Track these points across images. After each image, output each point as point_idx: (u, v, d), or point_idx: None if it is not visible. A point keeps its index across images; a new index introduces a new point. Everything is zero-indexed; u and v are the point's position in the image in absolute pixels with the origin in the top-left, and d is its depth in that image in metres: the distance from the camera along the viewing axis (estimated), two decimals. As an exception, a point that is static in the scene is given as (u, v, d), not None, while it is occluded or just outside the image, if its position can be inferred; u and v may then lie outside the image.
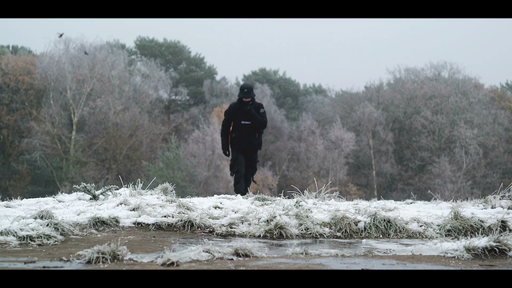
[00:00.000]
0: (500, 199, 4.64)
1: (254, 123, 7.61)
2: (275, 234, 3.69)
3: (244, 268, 2.28)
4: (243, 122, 7.58)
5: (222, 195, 5.44)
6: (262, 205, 4.60)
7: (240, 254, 2.63)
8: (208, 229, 3.86)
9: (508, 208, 4.34)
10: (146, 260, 2.52)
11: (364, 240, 3.63)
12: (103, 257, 2.43)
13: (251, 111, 7.52)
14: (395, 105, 38.10)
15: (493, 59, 64.12)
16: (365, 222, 3.90)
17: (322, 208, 4.38)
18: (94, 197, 4.62)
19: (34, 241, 3.11)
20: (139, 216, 3.95)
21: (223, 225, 3.90)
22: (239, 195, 5.34)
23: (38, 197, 4.97)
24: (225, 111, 7.81)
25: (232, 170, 7.70)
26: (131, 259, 2.53)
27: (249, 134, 7.60)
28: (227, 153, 7.69)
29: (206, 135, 31.80)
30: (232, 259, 2.56)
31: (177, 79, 40.41)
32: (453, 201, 4.87)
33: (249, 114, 7.56)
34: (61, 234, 3.35)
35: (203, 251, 2.59)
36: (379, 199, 5.93)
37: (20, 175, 32.05)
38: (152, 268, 2.28)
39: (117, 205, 4.19)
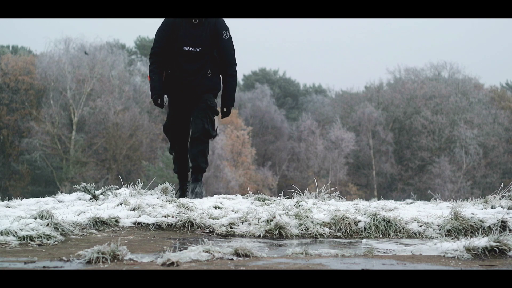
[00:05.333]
0: (500, 199, 4.63)
1: (205, 51, 4.65)
2: (275, 234, 3.69)
3: (244, 268, 2.28)
4: (186, 48, 4.62)
5: (222, 195, 5.44)
6: (262, 205, 4.60)
7: (240, 254, 2.63)
8: (208, 229, 3.86)
9: (508, 208, 4.34)
10: (146, 260, 2.52)
11: (364, 240, 3.63)
12: (103, 257, 2.43)
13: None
14: (395, 105, 38.12)
15: (492, 57, 64.09)
16: (365, 222, 3.90)
17: (322, 208, 4.38)
18: (94, 197, 4.62)
19: (34, 241, 3.11)
20: (139, 216, 3.95)
21: (223, 225, 3.89)
22: (239, 195, 5.32)
23: (38, 197, 4.96)
24: (157, 30, 4.75)
25: (168, 135, 5.01)
26: (131, 259, 2.53)
27: (196, 70, 4.69)
28: (159, 101, 4.76)
29: (206, 135, 31.70)
30: (232, 259, 2.56)
31: (177, 79, 40.36)
32: (453, 201, 4.86)
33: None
34: (61, 234, 3.35)
35: (203, 251, 2.59)
36: (379, 199, 5.93)
37: (20, 175, 32.05)
38: (152, 268, 2.28)
39: (117, 205, 4.19)
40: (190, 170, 5.03)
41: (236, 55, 4.89)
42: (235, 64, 4.89)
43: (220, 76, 4.94)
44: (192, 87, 4.77)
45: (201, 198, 4.69)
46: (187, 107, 4.88)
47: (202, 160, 4.89)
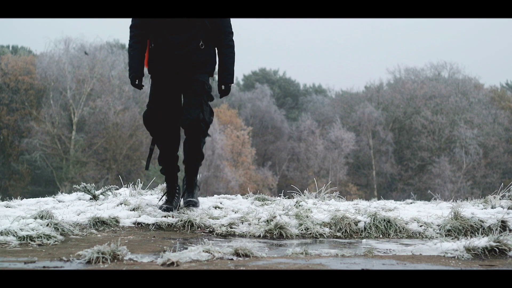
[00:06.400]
0: (500, 199, 4.63)
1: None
2: (275, 234, 3.69)
3: (244, 268, 2.28)
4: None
5: (222, 195, 5.44)
6: (262, 205, 4.60)
7: (240, 254, 2.63)
8: (208, 229, 3.86)
9: (508, 208, 4.34)
10: (146, 260, 2.52)
11: (364, 240, 3.63)
12: (103, 257, 2.43)
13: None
14: (395, 105, 38.12)
15: (492, 57, 64.11)
16: (365, 222, 3.90)
17: (322, 208, 4.38)
18: (94, 197, 4.63)
19: (34, 241, 3.11)
20: (139, 216, 3.95)
21: (223, 225, 3.89)
22: (239, 195, 5.30)
23: (38, 197, 4.97)
24: None
25: (149, 127, 4.00)
26: (131, 259, 2.53)
27: (185, 41, 3.89)
28: (137, 81, 4.00)
29: (206, 135, 31.72)
30: (232, 259, 2.56)
31: (177, 79, 40.31)
32: (453, 201, 4.87)
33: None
34: (61, 234, 3.35)
35: (203, 251, 2.59)
36: (379, 199, 5.93)
37: (20, 175, 32.04)
38: (152, 268, 2.28)
39: (117, 205, 4.20)
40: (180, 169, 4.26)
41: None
42: (231, 32, 4.10)
43: (215, 48, 4.13)
44: (181, 62, 3.90)
45: (196, 207, 4.17)
46: (175, 90, 3.98)
47: (198, 158, 4.12)
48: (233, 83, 4.15)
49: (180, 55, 3.90)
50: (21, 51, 39.65)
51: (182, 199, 4.24)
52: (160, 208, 4.06)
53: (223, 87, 4.13)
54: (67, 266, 2.36)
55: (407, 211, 4.44)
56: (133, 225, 3.86)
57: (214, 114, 4.35)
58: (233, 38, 4.12)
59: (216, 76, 4.33)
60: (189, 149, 4.05)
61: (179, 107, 4.02)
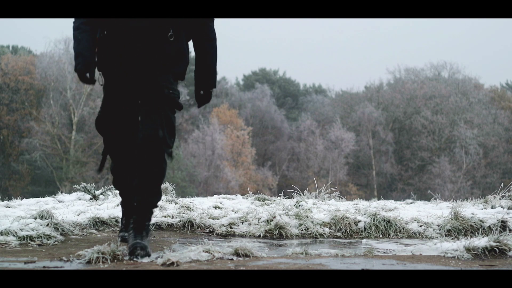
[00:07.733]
0: (500, 199, 4.64)
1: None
2: (275, 234, 3.69)
3: (244, 268, 2.28)
4: None
5: (222, 195, 5.44)
6: (262, 205, 4.61)
7: (240, 254, 2.63)
8: (208, 229, 3.86)
9: (508, 208, 4.34)
10: (146, 260, 2.52)
11: (364, 240, 3.63)
12: (103, 257, 2.43)
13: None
14: (395, 105, 38.12)
15: (492, 57, 64.14)
16: (365, 222, 3.91)
17: (322, 208, 4.38)
18: (94, 197, 4.63)
19: (34, 241, 3.11)
20: (139, 216, 3.95)
21: (223, 225, 3.90)
22: (239, 195, 5.30)
23: (38, 197, 4.97)
24: None
25: (102, 134, 3.02)
26: (131, 259, 2.53)
27: (150, 28, 2.96)
28: (88, 74, 2.85)
29: (206, 135, 31.83)
30: (232, 259, 2.56)
31: (177, 79, 40.31)
32: (453, 201, 4.87)
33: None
34: (61, 234, 3.35)
35: (203, 251, 2.59)
36: (379, 199, 5.93)
37: (20, 175, 32.04)
38: (152, 268, 2.28)
39: (117, 205, 4.20)
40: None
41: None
42: (212, 21, 3.22)
43: (188, 42, 3.21)
44: (143, 56, 2.89)
45: (145, 257, 2.61)
46: (133, 95, 2.94)
47: (153, 190, 2.87)
48: (215, 87, 3.20)
49: (142, 47, 2.90)
50: (21, 51, 39.65)
51: (127, 238, 2.82)
52: (120, 237, 3.13)
53: (201, 92, 3.15)
54: (67, 266, 2.36)
55: (407, 211, 4.44)
56: (133, 225, 3.86)
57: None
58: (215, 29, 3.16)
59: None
60: (141, 176, 2.82)
61: (137, 113, 2.97)
